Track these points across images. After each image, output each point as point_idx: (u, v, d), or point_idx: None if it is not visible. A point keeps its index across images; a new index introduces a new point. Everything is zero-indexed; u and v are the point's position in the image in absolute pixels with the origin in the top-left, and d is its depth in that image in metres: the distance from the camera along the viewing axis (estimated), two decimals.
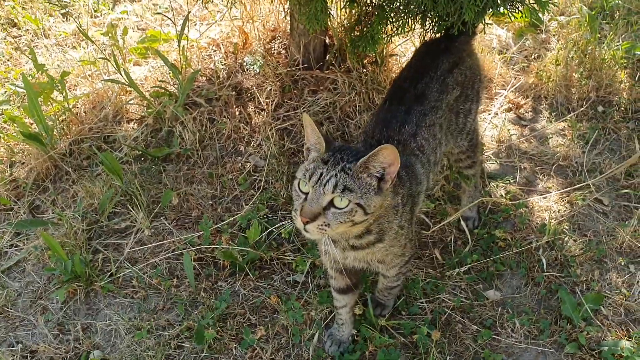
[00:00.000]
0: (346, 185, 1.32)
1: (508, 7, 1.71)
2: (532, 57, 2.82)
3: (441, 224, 2.10)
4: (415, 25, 2.00)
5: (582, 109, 2.56)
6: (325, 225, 1.33)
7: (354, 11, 2.13)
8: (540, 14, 1.67)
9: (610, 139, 2.47)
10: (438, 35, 1.93)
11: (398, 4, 1.93)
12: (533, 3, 1.63)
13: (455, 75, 1.71)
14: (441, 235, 2.14)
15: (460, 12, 1.68)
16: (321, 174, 1.34)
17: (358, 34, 2.16)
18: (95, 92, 2.56)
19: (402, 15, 1.95)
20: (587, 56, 2.68)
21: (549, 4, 1.63)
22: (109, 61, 2.52)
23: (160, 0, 3.16)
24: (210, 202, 2.28)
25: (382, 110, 1.67)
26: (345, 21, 2.52)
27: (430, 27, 1.94)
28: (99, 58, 2.58)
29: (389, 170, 1.34)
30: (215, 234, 2.15)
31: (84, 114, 2.53)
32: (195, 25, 2.89)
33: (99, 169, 2.36)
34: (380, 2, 2.02)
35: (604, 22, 2.92)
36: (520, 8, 1.70)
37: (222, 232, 2.14)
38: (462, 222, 2.11)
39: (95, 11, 3.09)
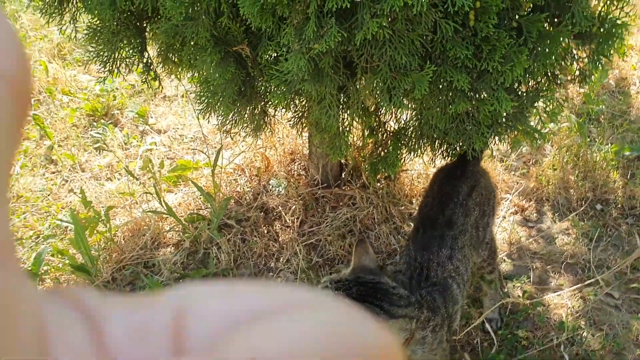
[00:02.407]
0: None
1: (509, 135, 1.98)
2: (530, 162, 3.08)
3: (468, 328, 2.25)
4: (426, 149, 2.26)
5: (581, 208, 2.78)
6: None
7: (371, 139, 2.39)
8: (539, 141, 1.92)
9: (612, 235, 2.68)
10: (449, 159, 2.18)
11: (411, 133, 2.20)
12: (533, 132, 1.90)
13: (474, 197, 1.95)
14: (468, 339, 2.29)
15: (470, 141, 1.94)
16: (325, 286, 1.59)
17: (376, 158, 2.41)
18: (134, 221, 2.78)
19: (415, 142, 2.21)
20: (580, 159, 2.94)
21: (548, 135, 1.89)
22: (151, 194, 2.75)
23: (185, 131, 3.46)
24: None
25: (418, 236, 1.89)
26: (358, 143, 2.80)
27: (440, 152, 2.20)
28: (144, 192, 2.82)
29: None
30: None
31: (123, 241, 2.73)
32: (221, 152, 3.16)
33: (141, 294, 2.53)
34: (396, 131, 2.29)
35: (591, 126, 3.22)
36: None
37: None
38: (486, 324, 2.27)
39: (125, 143, 3.37)
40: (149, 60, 2.34)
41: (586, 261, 2.56)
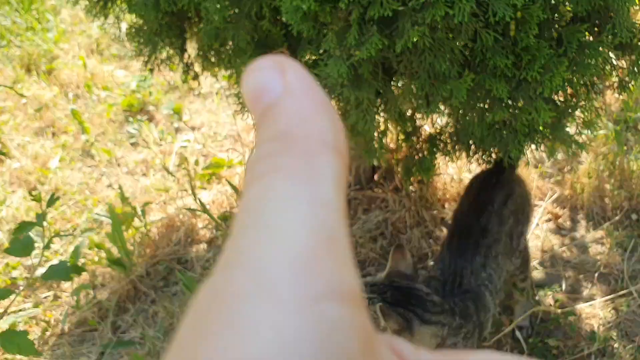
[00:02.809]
0: None
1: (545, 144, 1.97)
2: (565, 169, 3.05)
3: (498, 335, 2.25)
4: (462, 155, 2.26)
5: (617, 217, 2.75)
6: None
7: (407, 144, 2.40)
8: (578, 150, 1.91)
9: None
10: (484, 165, 2.18)
11: (447, 139, 2.20)
12: (571, 142, 1.89)
13: (509, 205, 1.95)
14: (498, 346, 2.29)
15: (506, 149, 1.93)
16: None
17: (410, 162, 2.41)
18: (168, 217, 2.83)
19: (451, 147, 2.21)
20: (616, 168, 2.91)
21: (586, 145, 1.88)
22: (187, 192, 2.80)
23: (219, 129, 3.50)
24: None
25: (452, 243, 1.90)
26: (391, 144, 2.80)
27: (475, 158, 2.20)
28: (180, 190, 2.87)
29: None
30: None
31: (157, 237, 2.79)
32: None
33: (174, 289, 2.58)
34: (431, 136, 2.29)
35: (629, 134, 3.17)
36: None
37: None
38: (517, 332, 2.26)
39: (160, 140, 3.43)
40: (189, 60, 2.38)
41: (620, 272, 2.53)
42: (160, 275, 2.66)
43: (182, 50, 2.36)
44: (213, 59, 2.32)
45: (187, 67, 2.41)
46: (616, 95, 3.40)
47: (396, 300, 1.57)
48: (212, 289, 0.21)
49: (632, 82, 2.00)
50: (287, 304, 0.19)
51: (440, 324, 1.63)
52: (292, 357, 0.18)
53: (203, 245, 2.76)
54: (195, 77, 2.41)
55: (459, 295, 1.75)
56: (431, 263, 2.57)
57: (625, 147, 2.97)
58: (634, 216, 2.77)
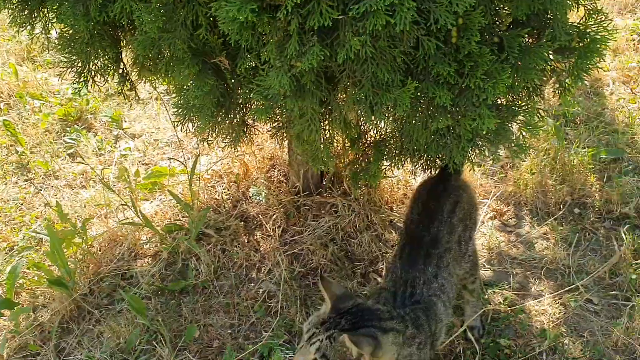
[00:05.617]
0: (325, 353, 1.54)
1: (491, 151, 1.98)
2: (508, 166, 3.09)
3: (451, 337, 2.26)
4: (406, 161, 2.25)
5: (560, 212, 2.80)
6: None
7: (353, 151, 2.37)
8: (521, 155, 1.92)
9: (590, 240, 2.70)
10: (429, 171, 2.18)
11: (392, 145, 2.18)
12: (514, 147, 1.90)
13: (458, 213, 1.95)
14: (451, 347, 2.30)
15: (450, 155, 1.93)
16: (313, 334, 1.58)
17: (357, 167, 2.39)
18: (110, 232, 2.72)
19: (396, 154, 2.20)
20: (557, 163, 2.96)
21: (528, 149, 1.90)
22: (127, 206, 2.70)
23: (159, 135, 3.40)
24: (229, 331, 2.41)
25: (404, 253, 1.88)
26: (339, 149, 2.77)
27: (420, 164, 2.19)
28: (120, 205, 2.76)
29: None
30: None
31: (100, 253, 2.68)
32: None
33: (119, 306, 2.48)
34: (377, 142, 2.27)
35: (568, 128, 3.24)
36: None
37: None
38: (469, 333, 2.27)
39: (99, 149, 3.30)
40: (125, 71, 2.28)
41: (566, 266, 2.58)
42: (105, 293, 2.55)
43: (118, 60, 2.26)
44: (150, 68, 2.24)
45: (124, 77, 2.32)
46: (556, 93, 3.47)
47: (353, 324, 1.55)
48: None
49: (573, 86, 2.01)
50: None
51: (396, 330, 1.62)
52: None
53: (147, 260, 2.67)
54: (132, 88, 2.31)
55: (410, 305, 1.74)
56: (381, 267, 2.56)
57: (565, 142, 3.03)
58: (576, 210, 2.83)
